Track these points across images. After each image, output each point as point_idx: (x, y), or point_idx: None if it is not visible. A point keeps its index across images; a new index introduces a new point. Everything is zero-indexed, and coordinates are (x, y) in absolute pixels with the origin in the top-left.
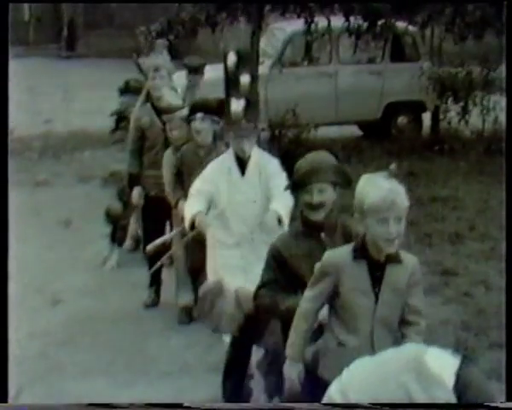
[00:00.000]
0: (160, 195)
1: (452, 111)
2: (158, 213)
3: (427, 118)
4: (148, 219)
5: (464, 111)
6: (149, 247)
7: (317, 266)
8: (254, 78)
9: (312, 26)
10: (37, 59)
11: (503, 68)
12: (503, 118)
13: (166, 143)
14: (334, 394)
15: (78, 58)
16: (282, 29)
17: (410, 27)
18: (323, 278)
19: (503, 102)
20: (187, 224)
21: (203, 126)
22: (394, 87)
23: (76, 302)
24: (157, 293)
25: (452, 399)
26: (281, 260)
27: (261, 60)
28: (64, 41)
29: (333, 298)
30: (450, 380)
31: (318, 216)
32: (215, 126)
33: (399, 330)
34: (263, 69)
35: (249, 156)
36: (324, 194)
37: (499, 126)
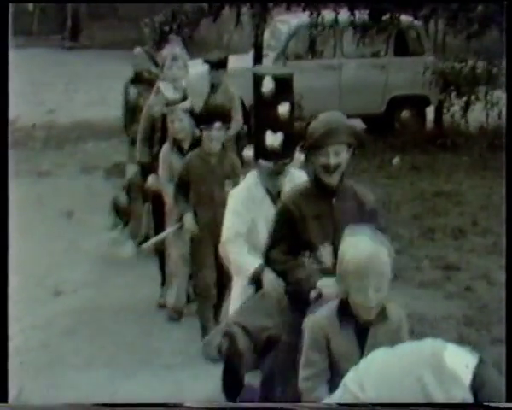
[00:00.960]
0: None
1: (456, 106)
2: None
3: (430, 112)
4: (156, 214)
5: (467, 106)
6: (145, 245)
7: (305, 335)
8: (293, 107)
9: (316, 19)
10: (40, 49)
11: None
12: (505, 113)
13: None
14: (350, 384)
15: (82, 49)
16: (287, 22)
17: (415, 22)
18: (313, 344)
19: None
20: (246, 274)
21: (219, 135)
22: (398, 81)
23: (78, 294)
24: None
25: (468, 397)
26: (290, 218)
27: (265, 53)
28: (67, 32)
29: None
30: (467, 378)
31: (333, 179)
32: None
33: None
34: (266, 62)
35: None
36: (340, 156)
37: (502, 121)
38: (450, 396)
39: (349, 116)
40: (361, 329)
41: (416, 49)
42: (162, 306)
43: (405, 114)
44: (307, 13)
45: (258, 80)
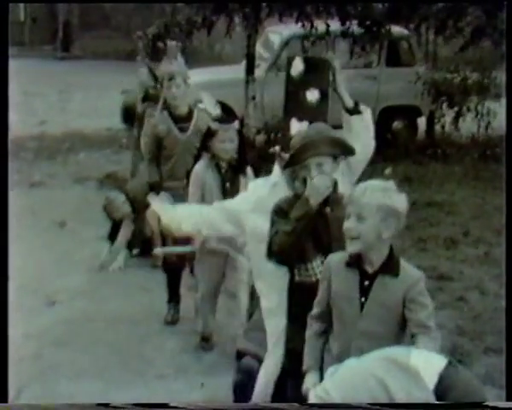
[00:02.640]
0: None
1: (447, 116)
2: None
3: (422, 123)
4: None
5: (459, 116)
6: (157, 250)
7: None
8: (324, 95)
9: (308, 30)
10: (32, 60)
11: (498, 74)
12: (496, 124)
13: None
14: (317, 388)
15: (74, 59)
16: (279, 32)
17: (406, 32)
18: (321, 282)
19: (498, 107)
20: None
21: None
22: (390, 92)
23: (71, 303)
24: (177, 309)
25: (431, 398)
26: (283, 214)
27: (257, 63)
28: (59, 42)
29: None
30: (431, 380)
31: None
32: None
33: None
34: (259, 72)
35: None
36: (323, 167)
37: (492, 132)
38: (411, 398)
39: (341, 126)
40: (366, 278)
41: (408, 60)
42: (169, 323)
43: (397, 124)
44: (299, 24)
45: (290, 61)
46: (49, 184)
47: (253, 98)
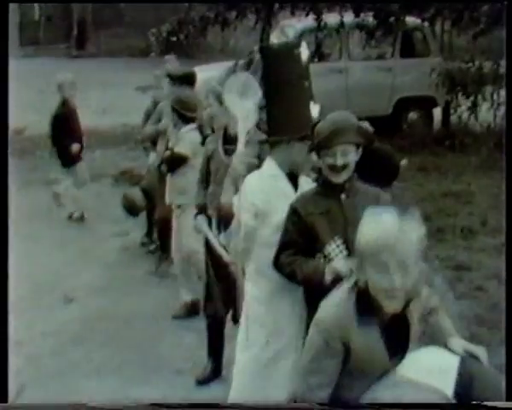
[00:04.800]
0: None
1: (463, 106)
2: None
3: (438, 113)
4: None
5: (474, 106)
6: None
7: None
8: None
9: (322, 22)
10: (47, 58)
11: None
12: None
13: None
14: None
15: (88, 57)
16: (292, 26)
17: (420, 23)
18: (330, 349)
19: None
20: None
21: None
22: (405, 83)
23: (88, 301)
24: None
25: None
26: (298, 218)
27: None
28: (74, 40)
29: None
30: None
31: (340, 178)
32: None
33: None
34: None
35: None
36: (348, 156)
37: None
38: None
39: (356, 118)
40: (386, 325)
41: (422, 51)
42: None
43: (413, 115)
44: (313, 16)
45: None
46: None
47: None
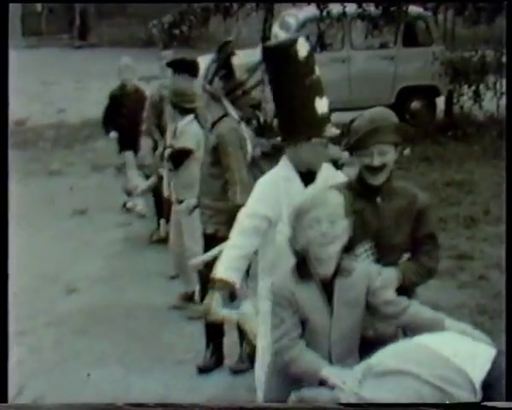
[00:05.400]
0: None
1: (465, 95)
2: None
3: (440, 102)
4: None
5: (477, 95)
6: (194, 261)
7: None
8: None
9: (324, 12)
10: (49, 49)
11: None
12: None
13: None
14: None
15: (91, 48)
16: (295, 15)
17: (423, 12)
18: (282, 302)
19: None
20: None
21: None
22: (407, 72)
23: (91, 291)
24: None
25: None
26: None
27: None
28: (76, 31)
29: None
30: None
31: (377, 180)
32: None
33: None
34: None
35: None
36: (386, 156)
37: None
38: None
39: (359, 108)
40: (325, 283)
41: (425, 40)
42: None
43: (415, 104)
44: (315, 6)
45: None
46: (67, 173)
47: None
